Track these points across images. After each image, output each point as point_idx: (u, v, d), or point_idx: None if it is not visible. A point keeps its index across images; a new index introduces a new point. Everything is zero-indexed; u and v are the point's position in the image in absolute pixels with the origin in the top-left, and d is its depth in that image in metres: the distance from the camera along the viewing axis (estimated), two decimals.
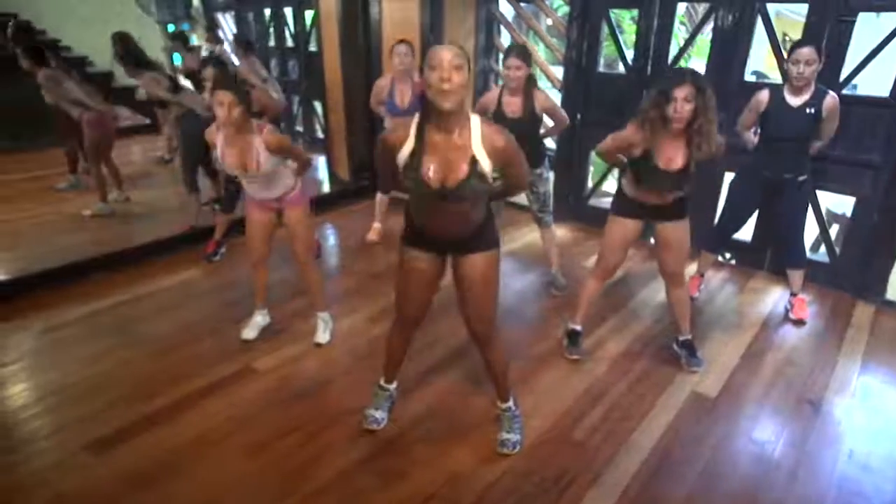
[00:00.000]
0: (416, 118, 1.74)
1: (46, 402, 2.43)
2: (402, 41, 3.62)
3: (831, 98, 2.79)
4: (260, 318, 2.97)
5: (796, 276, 3.19)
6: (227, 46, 8.38)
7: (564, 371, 2.70)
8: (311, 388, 2.54)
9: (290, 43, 6.61)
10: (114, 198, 4.74)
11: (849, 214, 3.59)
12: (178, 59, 8.06)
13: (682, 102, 2.15)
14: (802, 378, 2.67)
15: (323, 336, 2.89)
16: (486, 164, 1.71)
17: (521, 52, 3.00)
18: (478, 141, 1.70)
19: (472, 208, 1.83)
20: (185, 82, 5.23)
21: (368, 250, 4.08)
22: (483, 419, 2.35)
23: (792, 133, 2.86)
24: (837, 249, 3.52)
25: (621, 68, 4.05)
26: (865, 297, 3.35)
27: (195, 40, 8.75)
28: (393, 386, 2.37)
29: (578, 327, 2.84)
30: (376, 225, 4.19)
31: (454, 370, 2.67)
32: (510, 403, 2.25)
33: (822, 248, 3.71)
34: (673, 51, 3.81)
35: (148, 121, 7.02)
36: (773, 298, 3.42)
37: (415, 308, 2.10)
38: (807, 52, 2.69)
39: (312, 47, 6.00)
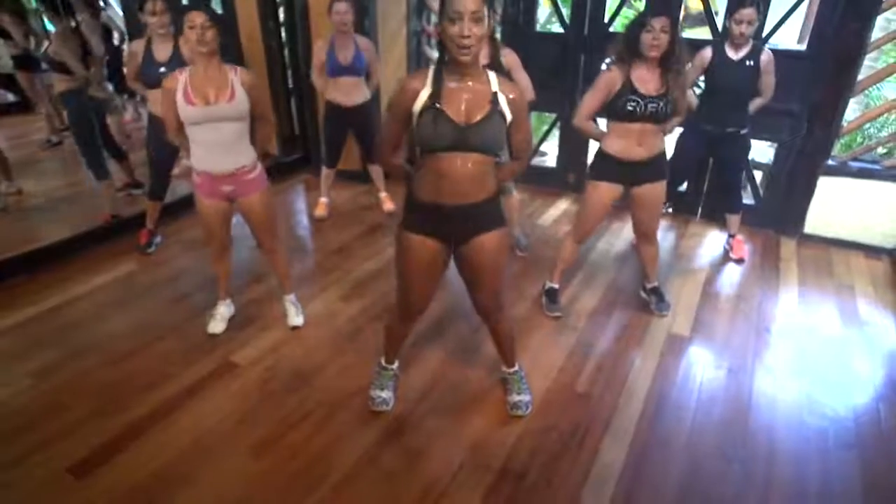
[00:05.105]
0: (430, 69, 1.68)
1: (1, 427, 2.12)
2: None
3: (766, 54, 3.01)
4: (225, 309, 2.76)
5: (734, 219, 3.48)
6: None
7: (549, 329, 2.77)
8: (304, 376, 2.41)
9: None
10: (2, 190, 4.12)
11: (759, 160, 3.97)
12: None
13: (659, 32, 2.26)
14: (755, 309, 2.96)
15: (297, 318, 2.75)
16: (505, 106, 1.69)
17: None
18: (496, 85, 1.69)
19: (486, 165, 1.74)
20: None
21: (319, 227, 3.89)
22: (485, 384, 2.37)
23: (734, 84, 3.05)
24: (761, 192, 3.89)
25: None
26: (788, 233, 3.74)
27: None
28: (395, 365, 2.31)
29: (556, 285, 2.92)
30: (323, 199, 3.99)
31: (443, 340, 2.66)
32: (517, 367, 2.29)
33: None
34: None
35: (11, 97, 6.05)
36: (712, 241, 3.72)
37: (420, 300, 2.00)
38: (749, 13, 2.87)
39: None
